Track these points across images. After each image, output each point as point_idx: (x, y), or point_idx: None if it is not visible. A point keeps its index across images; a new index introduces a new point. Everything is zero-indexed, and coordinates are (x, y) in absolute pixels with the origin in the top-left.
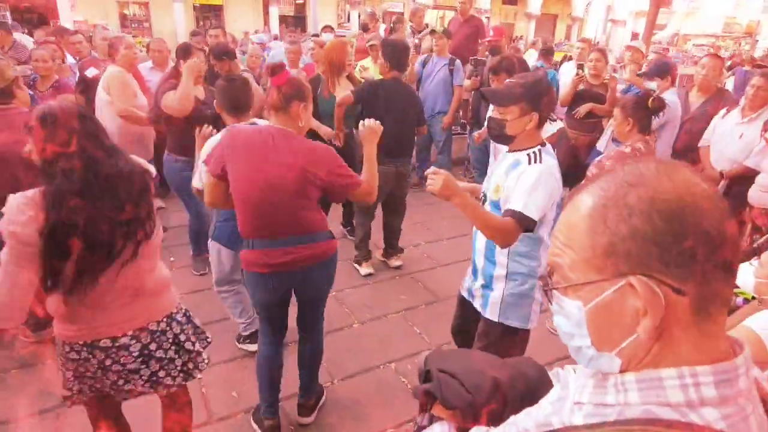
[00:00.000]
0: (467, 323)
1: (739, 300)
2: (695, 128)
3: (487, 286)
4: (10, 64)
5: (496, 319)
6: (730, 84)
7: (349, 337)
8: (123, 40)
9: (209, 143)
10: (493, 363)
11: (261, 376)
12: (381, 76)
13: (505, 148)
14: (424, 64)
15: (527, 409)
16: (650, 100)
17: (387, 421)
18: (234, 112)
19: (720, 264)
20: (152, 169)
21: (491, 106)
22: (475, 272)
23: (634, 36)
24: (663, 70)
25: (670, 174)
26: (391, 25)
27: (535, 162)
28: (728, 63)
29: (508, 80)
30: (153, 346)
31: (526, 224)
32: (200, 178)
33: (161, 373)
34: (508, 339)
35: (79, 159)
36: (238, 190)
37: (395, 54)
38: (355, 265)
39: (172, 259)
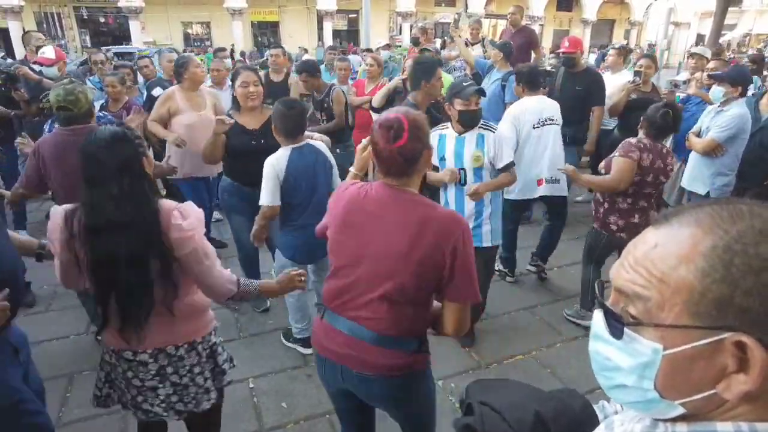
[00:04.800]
0: None
1: None
2: (766, 140)
3: (479, 225)
4: (91, 88)
5: (489, 244)
6: None
7: None
8: (191, 60)
9: (268, 162)
10: (537, 396)
11: None
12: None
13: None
14: (487, 71)
15: None
16: (659, 113)
17: None
18: (288, 137)
19: None
20: (179, 216)
21: None
22: None
23: (700, 38)
24: (737, 78)
25: None
26: (444, 38)
27: (494, 129)
28: None
29: None
30: (170, 370)
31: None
32: (270, 198)
33: (174, 398)
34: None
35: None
36: None
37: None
38: None
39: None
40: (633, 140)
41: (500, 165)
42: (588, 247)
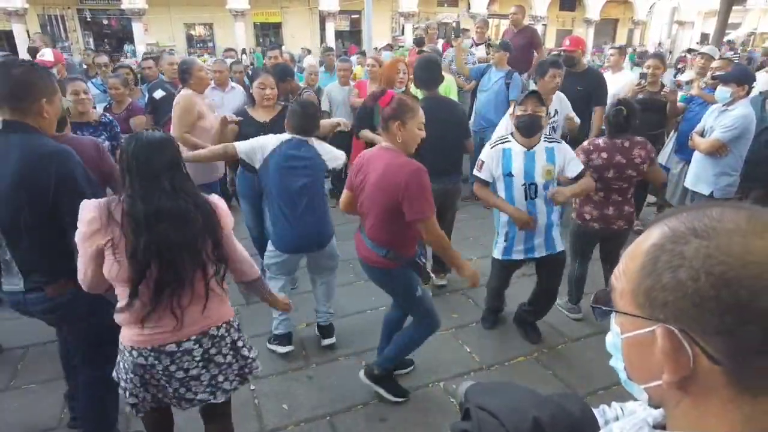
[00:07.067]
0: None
1: None
2: None
3: (550, 234)
4: (62, 98)
5: (563, 248)
6: None
7: None
8: (194, 64)
9: (268, 136)
10: (535, 400)
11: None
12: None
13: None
14: (483, 73)
15: None
16: (613, 111)
17: None
18: (296, 133)
19: None
20: (221, 204)
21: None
22: (531, 235)
23: (704, 37)
24: (742, 78)
25: (749, 235)
26: (445, 37)
27: (559, 141)
28: None
29: None
30: (213, 351)
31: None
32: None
33: (220, 378)
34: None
35: (138, 188)
36: None
37: (421, 76)
38: None
39: None
40: (585, 143)
41: (573, 174)
42: (570, 240)
